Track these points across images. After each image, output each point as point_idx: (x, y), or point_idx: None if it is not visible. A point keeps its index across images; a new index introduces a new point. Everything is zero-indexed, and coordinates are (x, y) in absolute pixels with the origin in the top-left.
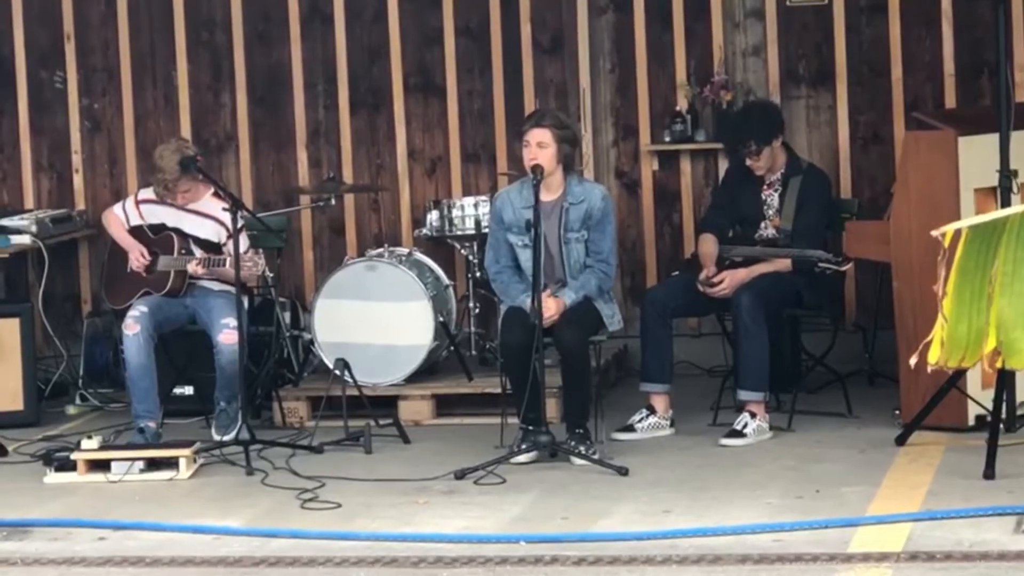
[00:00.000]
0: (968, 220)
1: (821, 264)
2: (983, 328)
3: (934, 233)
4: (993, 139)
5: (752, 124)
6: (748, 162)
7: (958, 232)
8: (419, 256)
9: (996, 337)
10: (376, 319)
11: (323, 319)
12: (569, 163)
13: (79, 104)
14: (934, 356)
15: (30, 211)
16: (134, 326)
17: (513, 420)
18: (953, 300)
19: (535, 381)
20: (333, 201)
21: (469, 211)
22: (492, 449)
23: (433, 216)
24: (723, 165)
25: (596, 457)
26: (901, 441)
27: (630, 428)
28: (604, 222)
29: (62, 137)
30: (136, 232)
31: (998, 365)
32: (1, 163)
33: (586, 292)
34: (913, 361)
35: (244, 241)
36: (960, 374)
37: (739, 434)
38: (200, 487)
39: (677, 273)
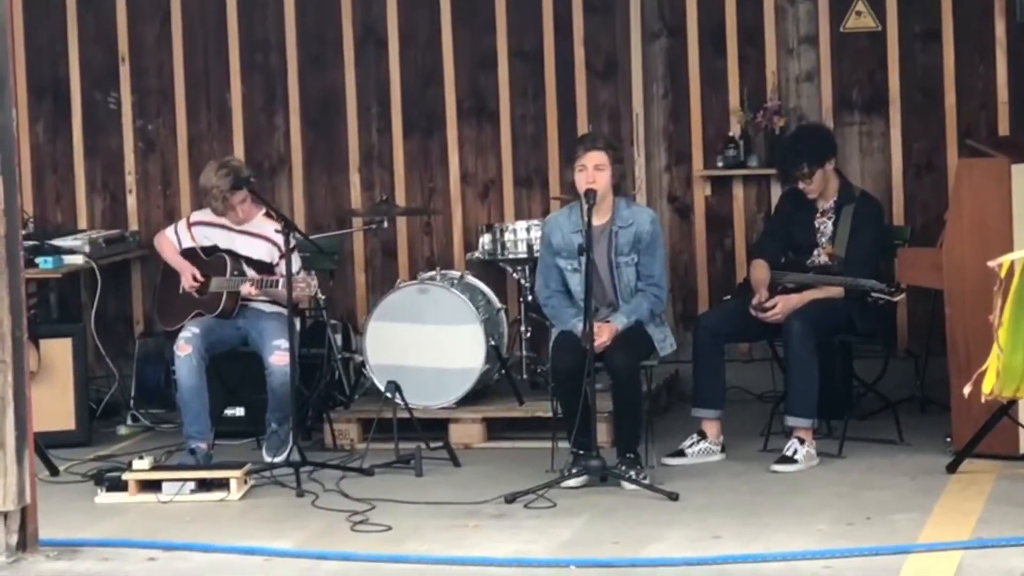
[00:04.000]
0: None
1: (874, 294)
2: None
3: (991, 264)
4: None
5: (805, 146)
6: (800, 185)
7: (1014, 262)
8: (471, 279)
9: None
10: (428, 342)
11: (374, 341)
12: (619, 186)
13: (133, 125)
14: (988, 385)
15: (83, 231)
16: (186, 347)
17: (564, 444)
18: (1009, 330)
19: (586, 405)
20: (385, 224)
21: (521, 235)
22: (543, 473)
23: (485, 239)
24: (776, 191)
25: (647, 482)
26: (952, 469)
27: (680, 453)
28: (654, 245)
29: (116, 158)
30: (188, 254)
31: None
32: (55, 183)
33: (638, 316)
34: (967, 390)
35: (296, 262)
36: (1012, 402)
37: (790, 460)
38: (251, 508)
39: (729, 298)
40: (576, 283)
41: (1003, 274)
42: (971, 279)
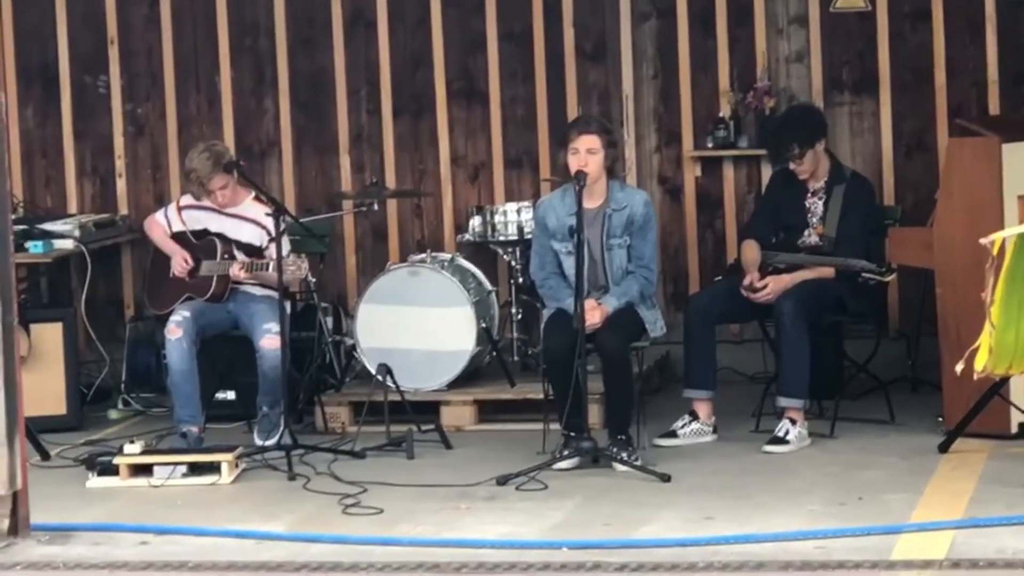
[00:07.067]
0: (1018, 228)
1: (865, 274)
2: None
3: (983, 241)
4: None
5: (795, 127)
6: (791, 166)
7: (1006, 239)
8: (461, 262)
9: None
10: (418, 324)
11: (365, 324)
12: (613, 169)
13: (122, 109)
14: (981, 363)
15: (73, 216)
16: (176, 331)
17: (555, 426)
18: (1001, 307)
19: (577, 387)
20: (376, 206)
21: (512, 217)
22: (534, 455)
23: (476, 222)
24: (766, 171)
25: (638, 463)
26: (944, 448)
27: (672, 434)
28: (646, 228)
29: (105, 142)
30: (179, 238)
31: None
32: (45, 168)
33: (628, 298)
34: (959, 368)
35: (286, 245)
36: (1003, 381)
37: (782, 441)
38: (242, 492)
39: (720, 279)
40: (571, 266)
41: (995, 251)
42: (962, 258)
